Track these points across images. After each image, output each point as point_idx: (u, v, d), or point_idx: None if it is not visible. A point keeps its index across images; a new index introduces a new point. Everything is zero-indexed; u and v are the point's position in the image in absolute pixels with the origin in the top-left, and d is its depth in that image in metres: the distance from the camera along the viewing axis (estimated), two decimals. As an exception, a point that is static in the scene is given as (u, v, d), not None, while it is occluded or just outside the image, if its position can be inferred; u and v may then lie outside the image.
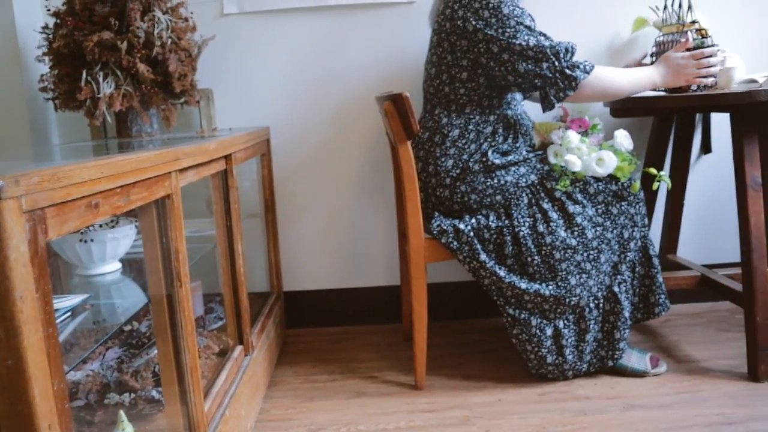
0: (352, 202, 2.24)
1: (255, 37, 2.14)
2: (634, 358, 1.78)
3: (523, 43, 1.59)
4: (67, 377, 1.42)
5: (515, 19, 1.60)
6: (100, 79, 1.77)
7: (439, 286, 2.22)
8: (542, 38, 1.61)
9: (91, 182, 0.85)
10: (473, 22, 1.63)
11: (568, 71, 1.60)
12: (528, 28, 1.61)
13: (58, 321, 1.20)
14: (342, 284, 2.28)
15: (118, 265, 1.52)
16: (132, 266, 1.67)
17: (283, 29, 2.14)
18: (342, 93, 2.16)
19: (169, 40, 1.86)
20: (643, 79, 1.72)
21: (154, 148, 1.17)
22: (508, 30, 1.60)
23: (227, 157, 1.60)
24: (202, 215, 1.91)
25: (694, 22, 1.82)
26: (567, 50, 1.61)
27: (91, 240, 1.40)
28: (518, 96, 1.83)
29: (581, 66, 1.62)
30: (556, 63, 1.60)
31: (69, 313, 1.24)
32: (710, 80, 1.76)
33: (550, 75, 1.61)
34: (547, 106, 1.64)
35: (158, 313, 1.22)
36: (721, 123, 2.17)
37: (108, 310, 1.42)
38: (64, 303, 1.26)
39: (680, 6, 1.84)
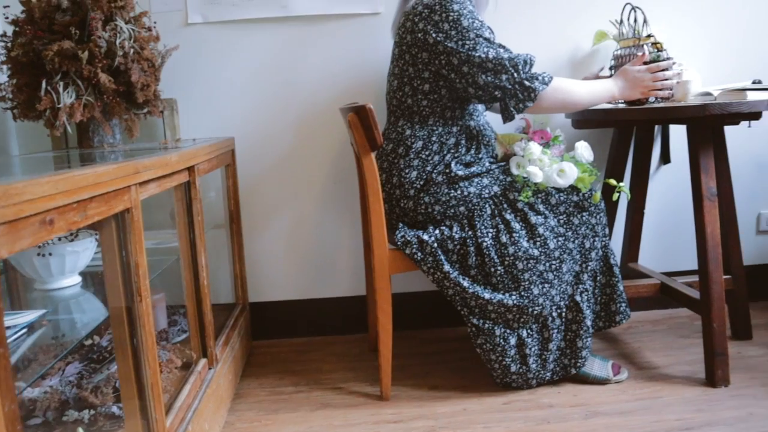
0: (318, 212, 2.23)
1: (219, 47, 2.13)
2: (596, 366, 1.81)
3: (483, 56, 1.61)
4: (24, 394, 1.40)
5: (474, 31, 1.62)
6: (60, 89, 1.74)
7: (405, 296, 2.23)
8: (501, 50, 1.63)
9: (46, 198, 0.83)
10: (433, 35, 1.64)
11: (527, 82, 1.63)
12: (487, 40, 1.63)
13: (13, 338, 1.18)
14: (308, 295, 2.28)
15: (78, 279, 1.50)
16: (93, 279, 1.64)
17: (247, 39, 2.13)
18: (307, 103, 2.16)
19: (132, 50, 1.84)
20: (602, 92, 1.75)
21: (114, 161, 1.16)
22: (468, 42, 1.62)
23: (190, 169, 1.58)
24: (166, 226, 1.90)
25: (649, 36, 1.86)
26: (526, 62, 1.64)
27: (50, 254, 1.38)
28: (480, 107, 1.85)
29: (540, 77, 1.65)
30: (515, 74, 1.62)
31: (25, 330, 1.21)
32: (666, 92, 1.80)
33: (510, 86, 1.63)
34: (507, 117, 1.67)
35: (118, 329, 1.20)
36: (680, 134, 2.23)
37: (67, 325, 1.40)
38: (20, 319, 1.23)
39: (635, 20, 1.89)
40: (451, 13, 1.63)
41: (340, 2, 2.12)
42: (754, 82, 1.95)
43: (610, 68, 1.99)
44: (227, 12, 2.12)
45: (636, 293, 2.03)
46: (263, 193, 2.21)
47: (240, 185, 2.18)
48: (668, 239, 2.36)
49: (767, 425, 1.56)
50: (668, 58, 1.83)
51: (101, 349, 1.64)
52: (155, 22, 1.96)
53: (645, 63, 1.79)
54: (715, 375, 1.79)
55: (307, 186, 2.22)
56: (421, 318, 2.30)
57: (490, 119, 1.92)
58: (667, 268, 2.35)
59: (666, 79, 1.78)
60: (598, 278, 1.78)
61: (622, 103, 1.89)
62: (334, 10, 2.12)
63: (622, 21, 1.96)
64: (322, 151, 2.20)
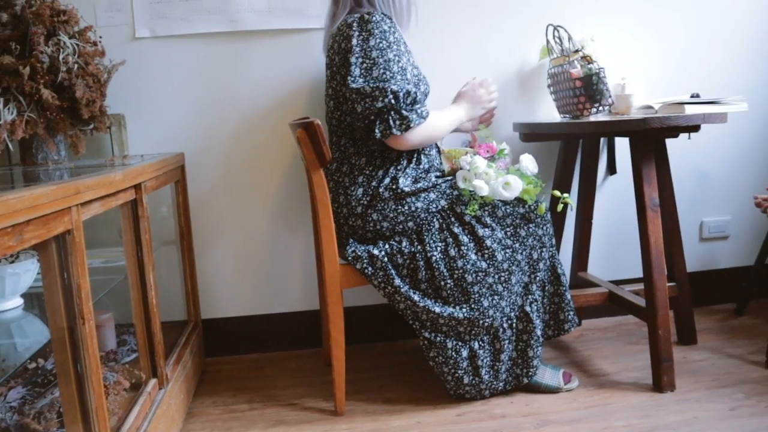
0: (270, 227, 2.22)
1: (168, 62, 2.11)
2: (547, 375, 1.84)
3: (370, 82, 1.64)
4: (-38, 422, 1.35)
5: (378, 51, 1.65)
6: (1, 106, 1.70)
7: (358, 310, 2.23)
8: (397, 77, 1.64)
9: (-24, 224, 0.81)
10: (348, 56, 1.68)
11: (404, 112, 1.64)
12: (387, 62, 1.65)
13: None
14: (261, 310, 2.26)
15: (19, 301, 1.46)
16: (36, 300, 1.60)
17: (195, 53, 2.11)
18: (256, 117, 2.16)
19: (76, 66, 1.81)
20: (455, 118, 1.83)
21: (54, 181, 1.13)
22: (367, 62, 1.65)
23: (137, 187, 1.56)
24: (114, 243, 1.86)
25: (577, 51, 1.91)
26: (408, 93, 1.65)
27: (-12, 276, 1.34)
28: None
29: (419, 111, 1.67)
30: (394, 102, 1.63)
31: (-39, 356, 1.18)
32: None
33: (385, 111, 1.64)
34: (369, 139, 1.71)
35: (60, 353, 1.18)
36: (626, 145, 2.28)
37: (8, 350, 1.36)
38: (-45, 345, 1.20)
39: (560, 39, 1.94)
40: (363, 32, 1.67)
41: (289, 17, 2.12)
42: (692, 96, 2.02)
43: (548, 86, 2.02)
44: (175, 26, 2.10)
45: (585, 302, 2.08)
46: (215, 207, 2.19)
47: (191, 200, 2.15)
48: (616, 248, 2.42)
49: (710, 428, 1.61)
50: (600, 69, 1.88)
51: (45, 372, 1.59)
52: (101, 37, 1.93)
53: (579, 79, 1.84)
54: (661, 381, 1.83)
55: (258, 200, 2.20)
56: (375, 331, 2.31)
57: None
58: (615, 276, 2.41)
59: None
60: (547, 288, 1.81)
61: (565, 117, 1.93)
62: (282, 25, 2.12)
63: (548, 41, 2.01)
64: (273, 164, 2.19)
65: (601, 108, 1.89)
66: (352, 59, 1.66)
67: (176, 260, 2.11)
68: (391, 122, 1.64)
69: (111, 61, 1.95)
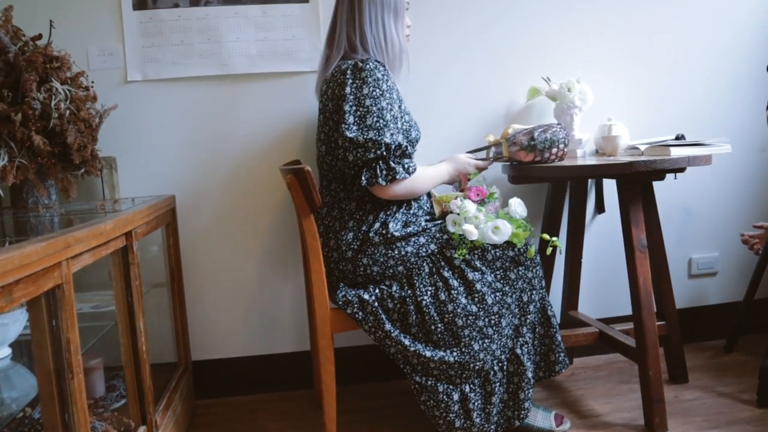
0: (261, 268, 2.22)
1: (159, 105, 2.13)
2: (539, 417, 1.83)
3: (362, 131, 1.66)
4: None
5: (372, 99, 1.67)
6: (-8, 153, 1.71)
7: (349, 350, 2.22)
8: (390, 125, 1.67)
9: (-35, 289, 0.82)
10: (341, 102, 1.70)
11: (392, 163, 1.67)
12: (380, 110, 1.67)
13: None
14: (253, 351, 2.25)
15: (7, 351, 1.45)
16: (25, 348, 1.59)
17: (187, 96, 2.13)
18: (247, 160, 2.17)
19: (68, 111, 1.83)
20: (439, 178, 1.87)
21: (42, 237, 1.13)
22: (360, 109, 1.67)
23: (127, 234, 1.57)
24: (105, 286, 1.85)
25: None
26: (399, 146, 1.68)
27: (-24, 328, 1.33)
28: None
29: (406, 166, 1.70)
30: (385, 153, 1.66)
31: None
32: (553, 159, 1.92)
33: (374, 161, 1.67)
34: (351, 184, 1.72)
35: (48, 408, 1.17)
36: (613, 183, 2.31)
37: (-5, 401, 1.35)
38: (-58, 402, 1.19)
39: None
40: (357, 80, 1.69)
41: (280, 61, 2.15)
42: (677, 137, 2.05)
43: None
44: (167, 70, 2.12)
45: (576, 342, 2.08)
46: (206, 249, 2.19)
47: (182, 241, 2.15)
48: (606, 286, 2.43)
49: (702, 472, 1.61)
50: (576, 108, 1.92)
51: (33, 421, 1.58)
52: (93, 82, 1.95)
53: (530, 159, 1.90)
54: (653, 422, 1.83)
55: (249, 242, 2.21)
56: (366, 371, 2.30)
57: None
58: (606, 314, 2.41)
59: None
60: (537, 330, 1.82)
61: (498, 152, 1.96)
62: (273, 69, 2.15)
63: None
64: (264, 207, 2.20)
65: (550, 160, 1.91)
66: (346, 107, 1.68)
67: (167, 302, 2.10)
68: (378, 172, 1.67)
69: (103, 106, 1.97)
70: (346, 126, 1.66)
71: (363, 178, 1.67)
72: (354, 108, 1.67)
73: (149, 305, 2.08)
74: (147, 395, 1.64)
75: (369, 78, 1.69)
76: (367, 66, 1.70)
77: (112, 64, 2.11)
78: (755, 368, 1.99)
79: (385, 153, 1.66)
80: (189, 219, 2.16)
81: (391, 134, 1.67)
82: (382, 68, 1.72)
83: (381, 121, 1.66)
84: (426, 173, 1.81)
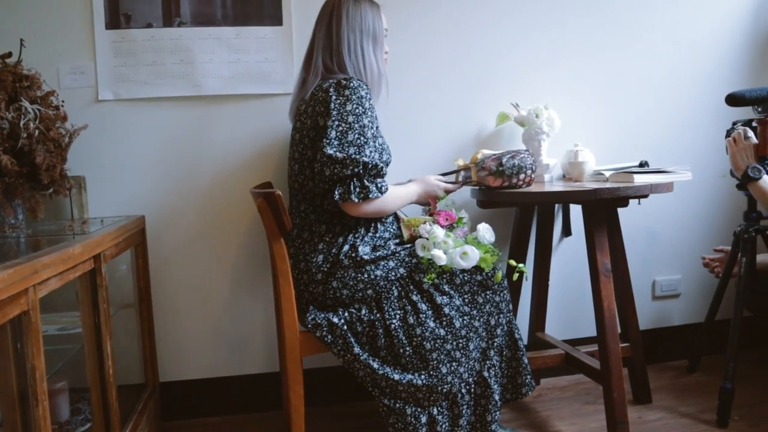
0: (231, 289, 2.22)
1: (131, 124, 2.12)
2: (506, 439, 1.86)
3: (343, 148, 1.67)
4: None
5: (354, 116, 1.69)
6: (-42, 173, 1.69)
7: (319, 371, 2.22)
8: (370, 144, 1.69)
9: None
10: (321, 119, 1.72)
11: (366, 182, 1.69)
12: (362, 127, 1.69)
13: None
14: (221, 373, 2.24)
15: (-30, 376, 1.42)
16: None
17: (159, 117, 2.13)
18: (217, 180, 2.17)
19: (37, 131, 1.81)
20: (408, 198, 1.89)
21: (8, 264, 1.13)
22: (342, 125, 1.68)
23: (96, 257, 1.56)
24: (71, 306, 1.83)
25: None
26: (375, 166, 1.70)
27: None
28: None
29: (379, 185, 1.72)
30: (361, 171, 1.68)
31: None
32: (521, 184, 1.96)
33: (347, 178, 1.68)
34: (323, 198, 1.73)
35: (11, 436, 1.16)
36: (580, 207, 2.36)
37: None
38: None
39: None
40: (341, 97, 1.70)
41: (253, 82, 2.17)
42: (641, 164, 2.11)
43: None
44: (139, 89, 2.12)
45: (543, 364, 2.11)
46: (176, 269, 2.18)
47: (152, 262, 2.14)
48: (573, 307, 2.48)
49: (663, 494, 1.65)
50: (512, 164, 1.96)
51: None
52: (63, 101, 1.94)
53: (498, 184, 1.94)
54: (616, 443, 1.87)
55: (220, 262, 2.20)
56: (336, 392, 2.30)
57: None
58: (572, 335, 2.46)
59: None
60: (504, 353, 1.84)
61: (467, 175, 2.01)
62: (247, 90, 2.17)
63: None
64: (234, 227, 2.20)
65: (517, 185, 1.95)
66: (329, 122, 1.69)
67: (135, 323, 2.09)
68: (352, 188, 1.68)
69: (73, 125, 1.95)
70: (327, 141, 1.67)
71: (336, 192, 1.68)
72: (337, 123, 1.68)
73: (117, 326, 2.06)
74: (113, 419, 1.63)
75: (353, 95, 1.71)
76: (351, 84, 1.72)
77: (83, 83, 2.11)
78: (716, 388, 2.04)
79: (361, 171, 1.68)
80: (159, 239, 2.15)
81: (370, 152, 1.69)
82: (365, 87, 1.75)
83: (362, 138, 1.68)
84: (395, 193, 1.82)
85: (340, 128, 1.68)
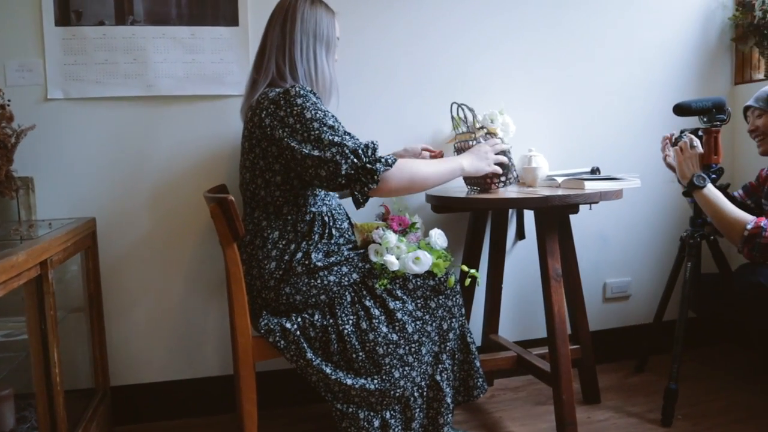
0: (184, 292, 2.20)
1: (81, 124, 2.08)
2: (458, 441, 1.88)
3: (326, 148, 1.65)
4: None
5: (318, 122, 1.67)
6: None
7: (272, 374, 2.22)
8: (346, 137, 1.68)
9: None
10: (279, 131, 1.68)
11: (369, 166, 1.66)
12: (331, 128, 1.67)
13: None
14: (175, 376, 2.22)
15: None
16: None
17: (111, 117, 2.09)
18: (172, 183, 2.14)
19: (-18, 132, 1.77)
20: (451, 167, 1.84)
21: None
22: (313, 133, 1.66)
23: (42, 263, 1.53)
24: (18, 310, 1.79)
25: (481, 127, 2.02)
26: (367, 147, 1.68)
27: None
28: None
29: (383, 160, 1.69)
30: (356, 161, 1.66)
31: None
32: (498, 183, 1.97)
33: (353, 172, 1.66)
34: (356, 203, 1.70)
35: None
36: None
37: None
38: None
39: (465, 117, 2.04)
40: (295, 107, 1.67)
41: (207, 84, 2.14)
42: (592, 171, 2.16)
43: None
44: (90, 89, 2.08)
45: (495, 366, 2.15)
46: (127, 272, 2.15)
47: (103, 265, 2.10)
48: (526, 309, 2.52)
49: (608, 494, 1.69)
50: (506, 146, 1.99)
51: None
52: (9, 100, 1.90)
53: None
54: (565, 444, 1.91)
55: (173, 265, 2.18)
56: (289, 395, 2.30)
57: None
58: (525, 336, 2.50)
59: (504, 166, 1.96)
60: (457, 356, 1.86)
61: (475, 189, 2.01)
62: (200, 91, 2.14)
63: (452, 117, 2.10)
64: (188, 230, 2.18)
65: (507, 182, 1.98)
66: (294, 143, 1.66)
67: (85, 326, 2.05)
68: (363, 180, 1.66)
69: (20, 126, 1.91)
70: (307, 152, 1.65)
71: (357, 195, 1.67)
72: (306, 135, 1.66)
73: (67, 330, 2.02)
74: (60, 426, 1.60)
75: (307, 103, 1.68)
76: (301, 92, 1.69)
77: (31, 81, 2.05)
78: (662, 387, 2.10)
79: (356, 160, 1.65)
80: (110, 242, 2.12)
81: (352, 140, 1.67)
82: (309, 90, 1.73)
83: (336, 136, 1.66)
84: (426, 162, 1.79)
85: (311, 137, 1.66)
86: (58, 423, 1.59)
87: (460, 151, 2.04)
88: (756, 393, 2.29)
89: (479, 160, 1.89)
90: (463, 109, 2.03)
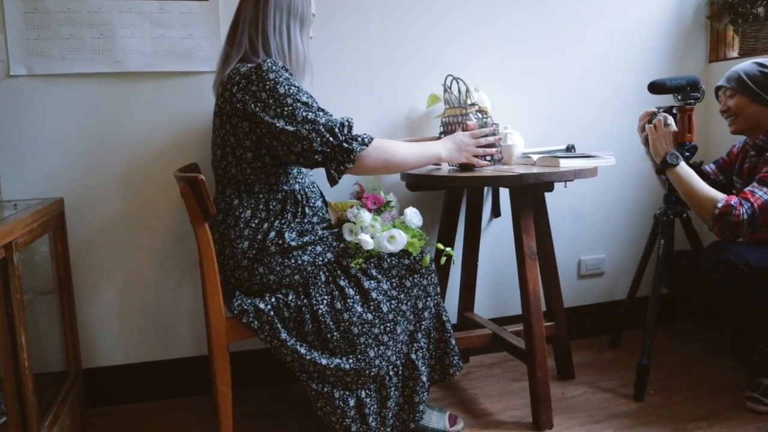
0: (157, 272, 2.17)
1: (46, 102, 2.02)
2: (434, 419, 1.89)
3: (300, 123, 1.63)
4: None
5: (292, 97, 1.65)
6: None
7: (246, 354, 2.20)
8: (320, 114, 1.66)
9: None
10: (252, 105, 1.66)
11: (345, 144, 1.66)
12: (305, 104, 1.66)
13: None
14: (148, 357, 2.19)
15: None
16: None
17: (77, 94, 2.03)
18: (142, 161, 2.10)
19: (-59, 110, 1.71)
20: (428, 153, 1.85)
21: None
22: (286, 109, 1.64)
23: (7, 246, 1.49)
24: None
25: (473, 104, 2.00)
26: (343, 125, 1.67)
27: None
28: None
29: (359, 138, 1.68)
30: (332, 138, 1.65)
31: None
32: (485, 162, 1.93)
33: (329, 150, 1.65)
34: (331, 180, 1.69)
35: None
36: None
37: None
38: None
39: (459, 91, 2.02)
40: (268, 82, 1.65)
41: (177, 60, 2.09)
42: (567, 148, 2.15)
43: (440, 134, 2.11)
44: (55, 65, 2.01)
45: (470, 344, 2.15)
46: (97, 253, 2.11)
47: (72, 245, 2.06)
48: (501, 287, 2.53)
49: (581, 468, 1.72)
50: (493, 124, 1.97)
51: None
52: (-29, 77, 1.84)
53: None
54: (540, 420, 1.94)
55: (144, 245, 2.14)
56: (264, 375, 2.29)
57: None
58: (500, 314, 2.52)
59: (489, 146, 1.92)
60: (432, 335, 1.86)
61: (454, 168, 2.00)
62: (170, 68, 2.09)
63: (445, 90, 2.09)
64: (159, 209, 2.14)
65: (493, 161, 1.97)
66: (270, 114, 1.64)
67: (56, 309, 2.01)
68: (340, 158, 1.66)
69: (-19, 104, 1.85)
70: (281, 126, 1.63)
71: (333, 173, 1.66)
72: (279, 110, 1.64)
73: (36, 312, 1.99)
74: (30, 411, 1.57)
75: (279, 78, 1.66)
76: (273, 67, 1.67)
77: (-7, 57, 1.99)
78: (634, 363, 2.13)
79: (331, 138, 1.64)
80: (80, 222, 2.07)
81: (326, 116, 1.66)
82: (281, 65, 1.70)
83: (310, 113, 1.65)
84: (402, 143, 1.80)
85: (285, 112, 1.64)
86: (27, 408, 1.56)
87: (446, 125, 2.03)
88: (726, 367, 2.33)
89: (458, 151, 1.89)
90: (458, 83, 2.00)
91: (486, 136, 1.93)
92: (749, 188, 1.92)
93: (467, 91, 1.98)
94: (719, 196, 1.91)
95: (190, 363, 2.23)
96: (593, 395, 2.16)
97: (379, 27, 2.26)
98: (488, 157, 1.95)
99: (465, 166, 1.94)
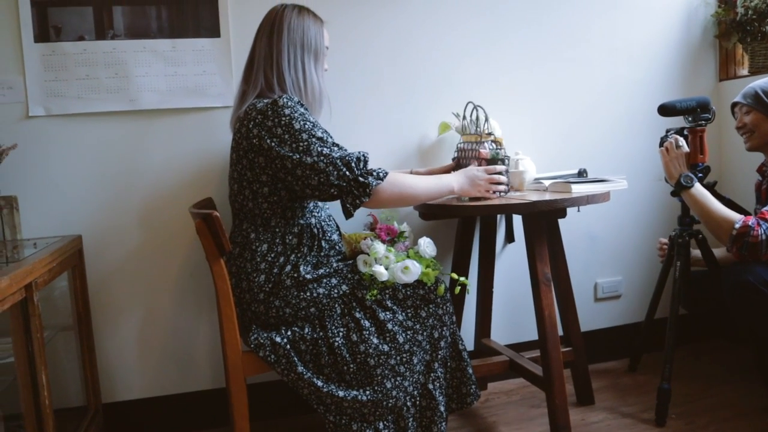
0: (175, 306, 2.18)
1: (64, 141, 2.06)
2: (452, 448, 1.88)
3: (316, 157, 1.66)
4: None
5: (307, 132, 1.67)
6: None
7: (264, 386, 2.20)
8: (335, 149, 1.68)
9: None
10: (267, 141, 1.68)
11: (361, 179, 1.68)
12: (320, 140, 1.68)
13: None
14: (167, 391, 2.20)
15: None
16: None
17: (94, 133, 2.07)
18: (159, 197, 2.13)
19: (-37, 153, 1.75)
20: (441, 186, 1.86)
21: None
22: (301, 144, 1.66)
23: (27, 287, 1.51)
24: (5, 332, 1.77)
25: (490, 133, 2.01)
26: (359, 159, 1.69)
27: None
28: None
29: (375, 173, 1.70)
30: (348, 173, 1.67)
31: None
32: (497, 195, 1.94)
33: (344, 184, 1.67)
34: (346, 214, 1.71)
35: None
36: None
37: None
38: None
39: (477, 118, 2.04)
40: (283, 117, 1.67)
41: (190, 96, 2.13)
42: (579, 173, 2.16)
43: (453, 159, 2.12)
44: (72, 105, 2.06)
45: (488, 371, 2.14)
46: (116, 289, 2.13)
47: (91, 282, 2.09)
48: (517, 312, 2.52)
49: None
50: (506, 156, 1.98)
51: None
52: (-10, 120, 1.88)
53: (485, 160, 1.93)
54: (560, 447, 1.91)
55: (161, 280, 2.16)
56: (282, 406, 2.28)
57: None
58: (518, 339, 2.50)
59: (500, 183, 1.93)
60: (449, 364, 1.86)
61: (465, 199, 2.01)
62: (184, 104, 2.12)
63: (464, 117, 2.10)
64: (176, 244, 2.16)
65: (501, 194, 1.96)
66: (286, 149, 1.66)
67: (75, 344, 2.03)
68: (356, 192, 1.68)
69: (1, 145, 1.89)
70: (298, 159, 1.65)
71: (349, 206, 1.69)
72: (295, 146, 1.66)
73: (57, 348, 2.01)
74: (51, 451, 1.58)
75: (295, 114, 1.69)
76: (289, 103, 1.69)
77: (12, 99, 2.03)
78: (654, 387, 2.11)
79: (348, 173, 1.66)
80: (98, 259, 2.10)
81: (341, 151, 1.68)
82: (296, 100, 1.73)
83: (326, 147, 1.67)
84: (417, 177, 1.82)
85: (300, 148, 1.66)
86: (48, 447, 1.58)
87: (461, 151, 2.03)
88: (747, 389, 2.30)
89: (470, 186, 1.90)
90: (477, 110, 2.02)
91: (499, 173, 1.94)
92: (766, 208, 1.91)
93: (486, 119, 1.99)
94: (736, 217, 1.90)
95: (209, 396, 2.23)
96: (614, 421, 2.13)
97: (387, 56, 2.28)
98: (498, 192, 1.96)
99: (475, 197, 1.95)
